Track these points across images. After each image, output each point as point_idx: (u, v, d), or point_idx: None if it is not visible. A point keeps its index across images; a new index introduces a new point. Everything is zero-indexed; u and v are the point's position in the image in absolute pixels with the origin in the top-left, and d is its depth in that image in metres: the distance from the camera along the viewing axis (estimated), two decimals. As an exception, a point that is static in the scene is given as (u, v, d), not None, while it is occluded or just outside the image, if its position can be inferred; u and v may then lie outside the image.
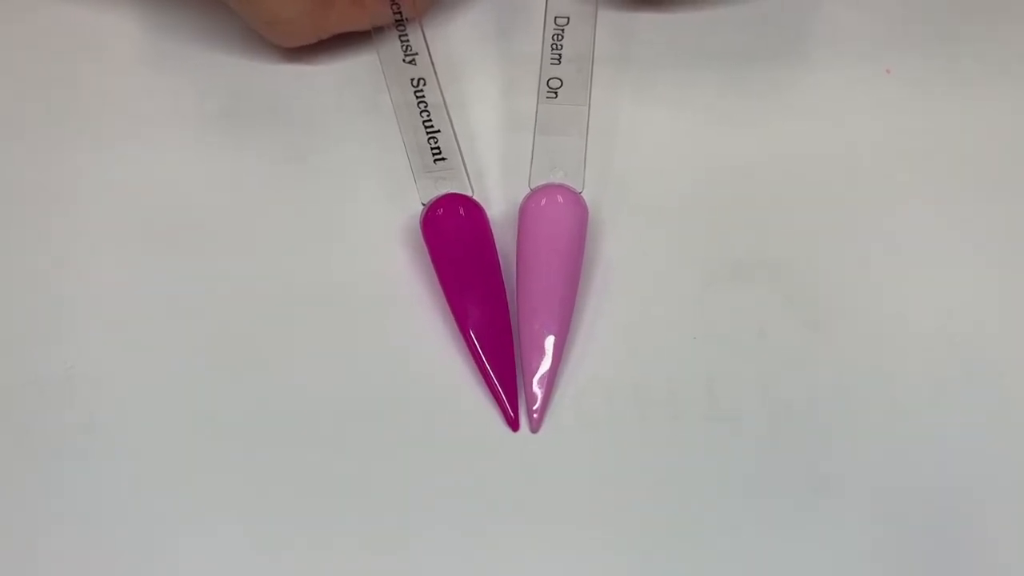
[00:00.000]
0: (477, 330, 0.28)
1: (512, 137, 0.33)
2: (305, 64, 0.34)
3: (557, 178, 0.30)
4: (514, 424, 0.27)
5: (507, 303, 0.29)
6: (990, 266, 0.31)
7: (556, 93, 0.31)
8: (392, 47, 0.32)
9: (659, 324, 0.29)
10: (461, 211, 0.29)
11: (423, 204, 0.30)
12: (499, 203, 0.32)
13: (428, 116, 0.31)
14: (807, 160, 0.33)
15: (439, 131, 0.31)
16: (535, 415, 0.27)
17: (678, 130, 0.33)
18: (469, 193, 0.30)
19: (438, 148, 0.30)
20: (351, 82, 0.34)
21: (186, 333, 0.29)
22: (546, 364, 0.28)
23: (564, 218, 0.29)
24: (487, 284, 0.29)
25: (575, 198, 0.30)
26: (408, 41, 0.32)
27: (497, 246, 0.30)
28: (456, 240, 0.29)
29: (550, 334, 0.28)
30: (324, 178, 0.32)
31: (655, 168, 0.33)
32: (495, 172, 0.32)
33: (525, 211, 0.30)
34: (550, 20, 0.32)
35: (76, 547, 0.25)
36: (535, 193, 0.30)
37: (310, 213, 0.31)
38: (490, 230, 0.30)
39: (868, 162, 0.33)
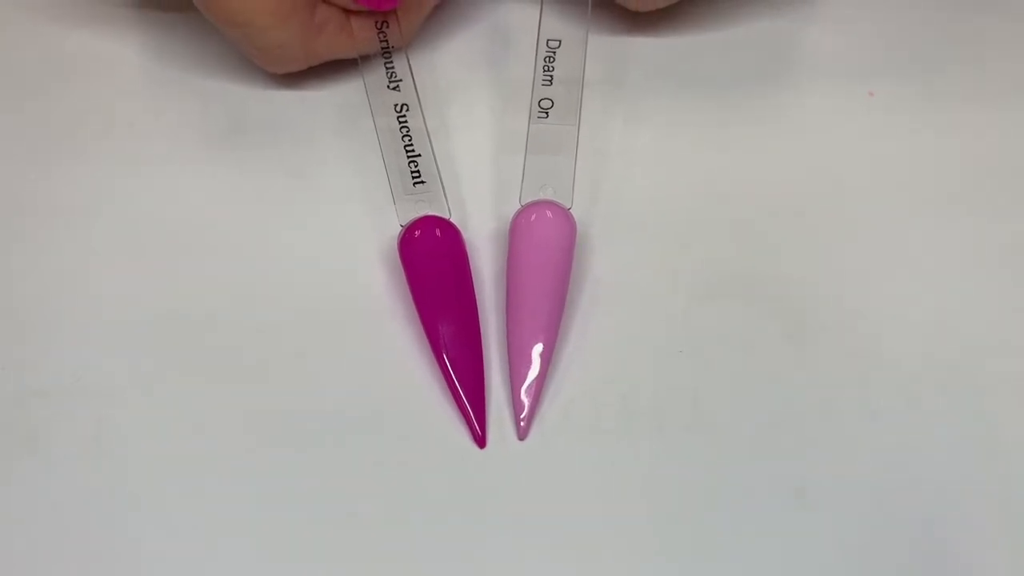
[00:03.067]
0: (449, 349, 0.29)
1: (502, 158, 0.34)
2: (296, 90, 0.36)
3: (547, 195, 0.31)
4: (481, 441, 0.28)
5: (479, 324, 0.29)
6: (970, 282, 0.31)
7: (547, 113, 0.32)
8: (377, 74, 0.33)
9: (645, 338, 0.30)
10: (438, 233, 0.30)
11: (401, 226, 0.31)
12: (489, 221, 0.32)
13: (410, 141, 0.32)
14: (791, 180, 0.33)
15: (420, 155, 0.31)
16: (522, 423, 0.28)
17: (665, 151, 0.34)
18: (447, 216, 0.31)
19: (418, 172, 0.31)
20: (340, 107, 0.35)
21: (182, 346, 0.30)
22: (533, 374, 0.28)
23: (553, 233, 0.30)
24: (460, 305, 0.29)
25: (564, 214, 0.30)
26: (393, 68, 0.33)
27: (484, 264, 0.31)
28: (432, 261, 0.30)
29: (538, 345, 0.29)
30: (311, 199, 0.33)
31: (643, 187, 0.33)
32: (485, 192, 0.33)
33: (515, 227, 0.30)
34: (542, 43, 0.33)
35: (83, 555, 0.26)
36: (525, 209, 0.30)
37: (296, 233, 0.32)
38: (466, 252, 0.30)
39: (850, 182, 0.33)
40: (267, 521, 0.27)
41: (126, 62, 0.37)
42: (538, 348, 0.29)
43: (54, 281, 0.31)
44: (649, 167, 0.34)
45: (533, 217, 0.30)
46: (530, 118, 0.32)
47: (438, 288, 0.29)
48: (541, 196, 0.31)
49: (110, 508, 0.27)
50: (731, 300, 0.30)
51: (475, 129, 0.35)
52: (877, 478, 0.27)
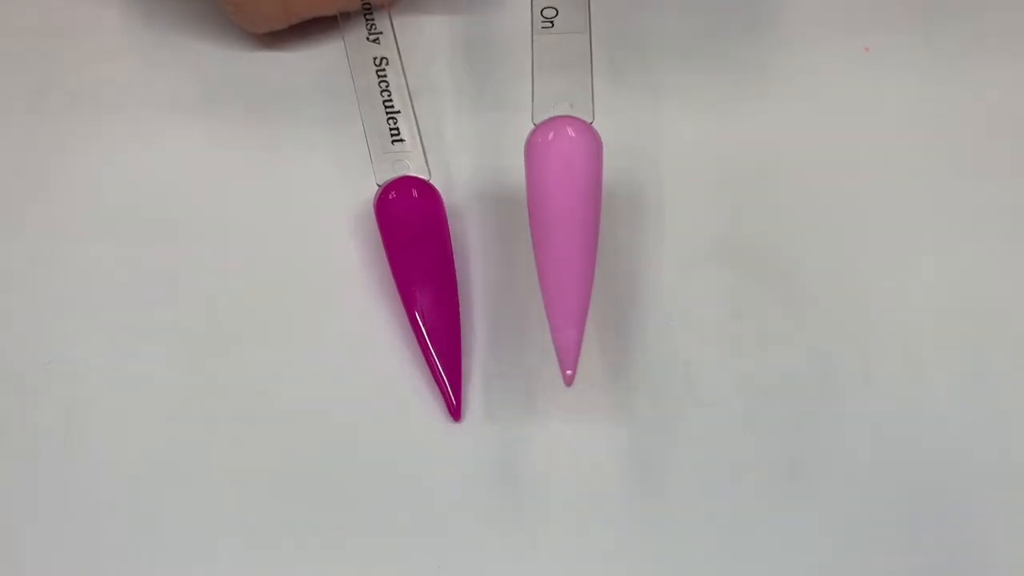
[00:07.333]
0: (424, 315, 0.27)
1: (489, 119, 0.32)
2: (277, 51, 0.34)
3: (563, 110, 0.27)
4: (455, 413, 0.27)
5: (456, 290, 0.28)
6: (968, 245, 0.30)
7: (552, 23, 0.28)
8: (358, 30, 0.32)
9: (636, 307, 0.29)
10: (414, 194, 0.29)
11: (378, 187, 0.29)
12: (474, 184, 0.31)
13: (389, 96, 0.30)
14: (785, 140, 0.32)
15: (399, 112, 0.30)
16: (568, 372, 0.24)
17: (650, 112, 0.33)
18: (426, 176, 0.29)
19: (397, 129, 0.30)
20: (321, 70, 0.34)
21: (158, 325, 0.29)
22: (576, 325, 0.24)
23: (577, 151, 0.25)
24: (437, 269, 0.28)
25: (587, 129, 0.26)
26: (373, 22, 0.32)
27: (469, 228, 0.30)
28: (408, 224, 0.28)
29: (577, 291, 0.25)
30: (290, 162, 0.32)
31: (633, 151, 0.32)
32: (471, 153, 0.32)
33: (531, 147, 0.26)
34: None
35: (50, 540, 0.26)
36: (541, 127, 0.26)
37: (275, 198, 0.31)
38: (444, 214, 0.29)
39: (846, 142, 0.32)
40: (240, 499, 0.26)
41: (102, 24, 0.35)
42: (578, 290, 0.24)
43: (19, 261, 0.30)
44: (638, 129, 0.32)
45: (551, 135, 0.25)
46: (533, 30, 0.27)
47: (414, 252, 0.28)
48: (557, 112, 0.26)
49: (80, 498, 0.26)
50: (724, 267, 0.29)
51: (461, 89, 0.33)
52: (874, 450, 0.26)
